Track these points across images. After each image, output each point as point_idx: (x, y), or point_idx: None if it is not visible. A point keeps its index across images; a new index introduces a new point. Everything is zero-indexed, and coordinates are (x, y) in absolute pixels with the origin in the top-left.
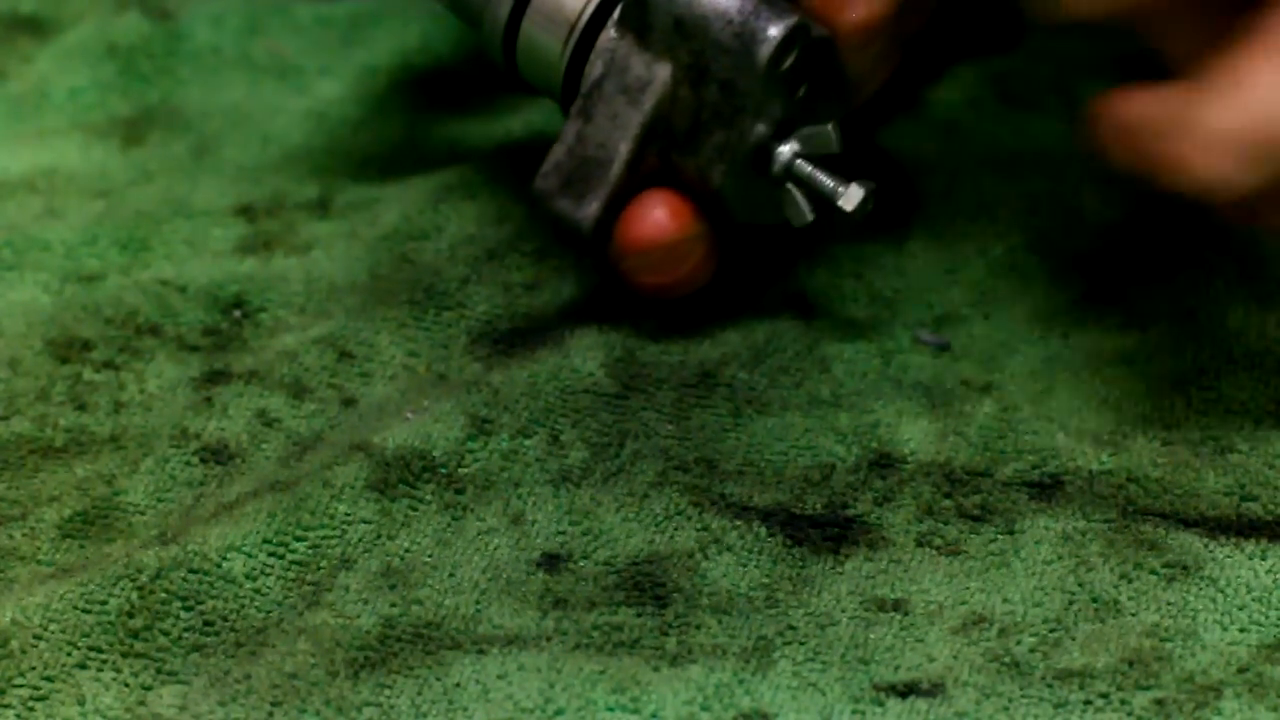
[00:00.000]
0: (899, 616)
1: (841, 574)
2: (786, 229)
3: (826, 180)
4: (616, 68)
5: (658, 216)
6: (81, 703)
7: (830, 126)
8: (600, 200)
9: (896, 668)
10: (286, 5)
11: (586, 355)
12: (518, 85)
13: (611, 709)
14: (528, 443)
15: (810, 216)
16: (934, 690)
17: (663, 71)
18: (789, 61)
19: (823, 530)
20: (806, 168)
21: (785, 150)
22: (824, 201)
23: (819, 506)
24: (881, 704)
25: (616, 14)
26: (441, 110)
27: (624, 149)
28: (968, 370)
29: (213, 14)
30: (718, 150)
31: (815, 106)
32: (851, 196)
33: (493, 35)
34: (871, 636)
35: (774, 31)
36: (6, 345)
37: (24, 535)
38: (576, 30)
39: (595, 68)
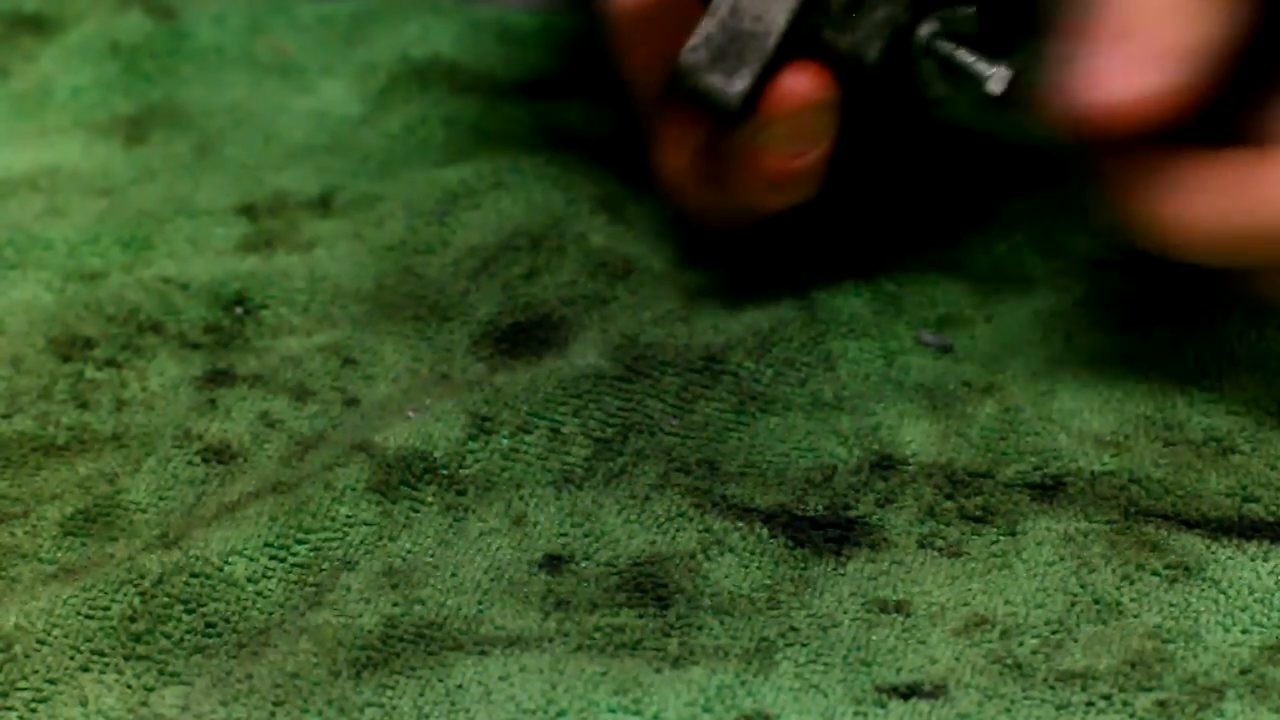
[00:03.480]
0: (901, 618)
1: (843, 575)
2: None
3: (971, 59)
4: None
5: (803, 80)
6: (84, 704)
7: (970, 9)
8: (752, 74)
9: (899, 669)
10: (288, 4)
11: (588, 344)
12: None
13: (614, 710)
14: (528, 439)
15: (945, 92)
16: (936, 692)
17: None
18: None
19: (824, 531)
20: (949, 46)
21: (926, 29)
22: (967, 82)
23: (820, 508)
24: (884, 705)
25: None
26: (442, 108)
27: (781, 21)
28: (970, 372)
29: (215, 13)
30: (876, 26)
31: None
32: (1000, 77)
33: None
34: (873, 638)
35: None
36: (9, 343)
37: (25, 533)
38: None
39: None
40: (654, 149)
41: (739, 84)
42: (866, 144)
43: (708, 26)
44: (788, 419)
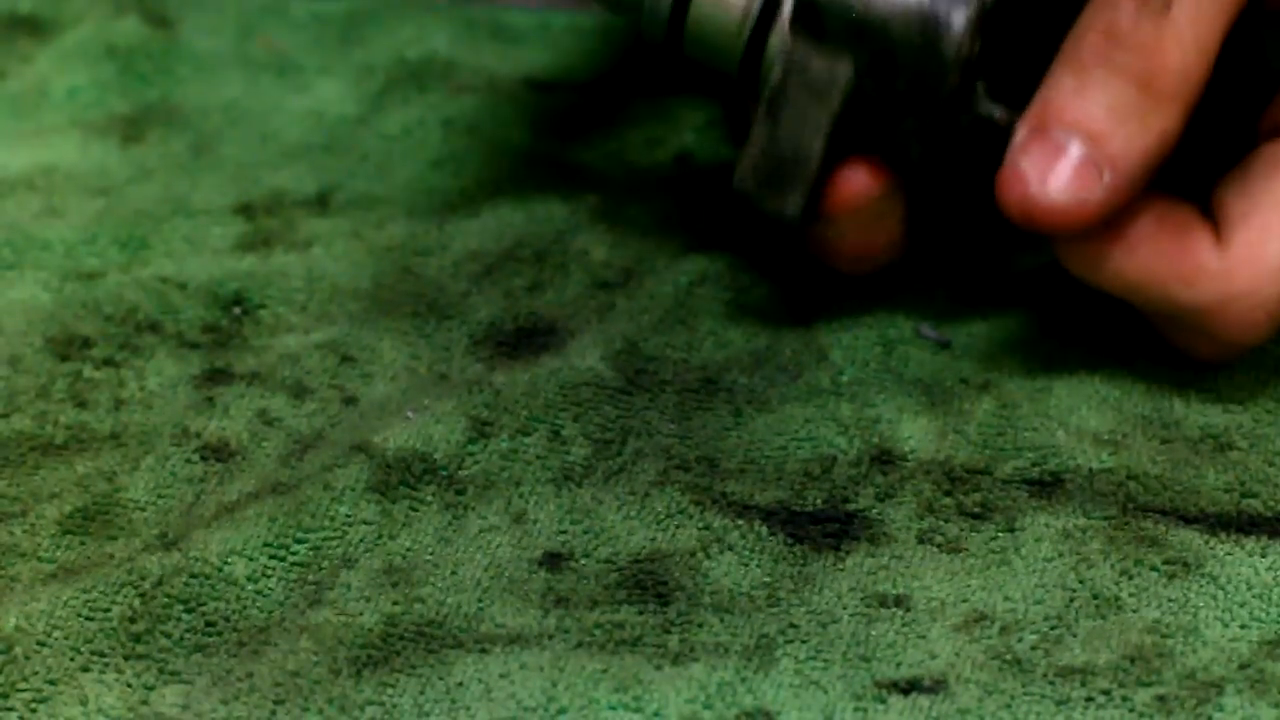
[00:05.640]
0: (901, 612)
1: (843, 570)
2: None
3: (1004, 114)
4: (797, 69)
5: (860, 176)
6: (84, 703)
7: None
8: (802, 195)
9: (898, 664)
10: (283, 3)
11: (587, 351)
12: (681, 64)
13: (614, 708)
14: (528, 440)
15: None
16: (936, 687)
17: (844, 69)
18: (975, 44)
19: (823, 526)
20: (995, 110)
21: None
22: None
23: (819, 501)
24: (884, 701)
25: (789, 16)
26: (439, 109)
27: (817, 145)
28: (967, 368)
29: (210, 13)
30: (912, 132)
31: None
32: None
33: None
34: (873, 633)
35: (959, 25)
36: (7, 343)
37: (24, 532)
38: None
39: (775, 71)
40: None
41: (791, 206)
42: (947, 200)
43: (751, 154)
44: (785, 412)
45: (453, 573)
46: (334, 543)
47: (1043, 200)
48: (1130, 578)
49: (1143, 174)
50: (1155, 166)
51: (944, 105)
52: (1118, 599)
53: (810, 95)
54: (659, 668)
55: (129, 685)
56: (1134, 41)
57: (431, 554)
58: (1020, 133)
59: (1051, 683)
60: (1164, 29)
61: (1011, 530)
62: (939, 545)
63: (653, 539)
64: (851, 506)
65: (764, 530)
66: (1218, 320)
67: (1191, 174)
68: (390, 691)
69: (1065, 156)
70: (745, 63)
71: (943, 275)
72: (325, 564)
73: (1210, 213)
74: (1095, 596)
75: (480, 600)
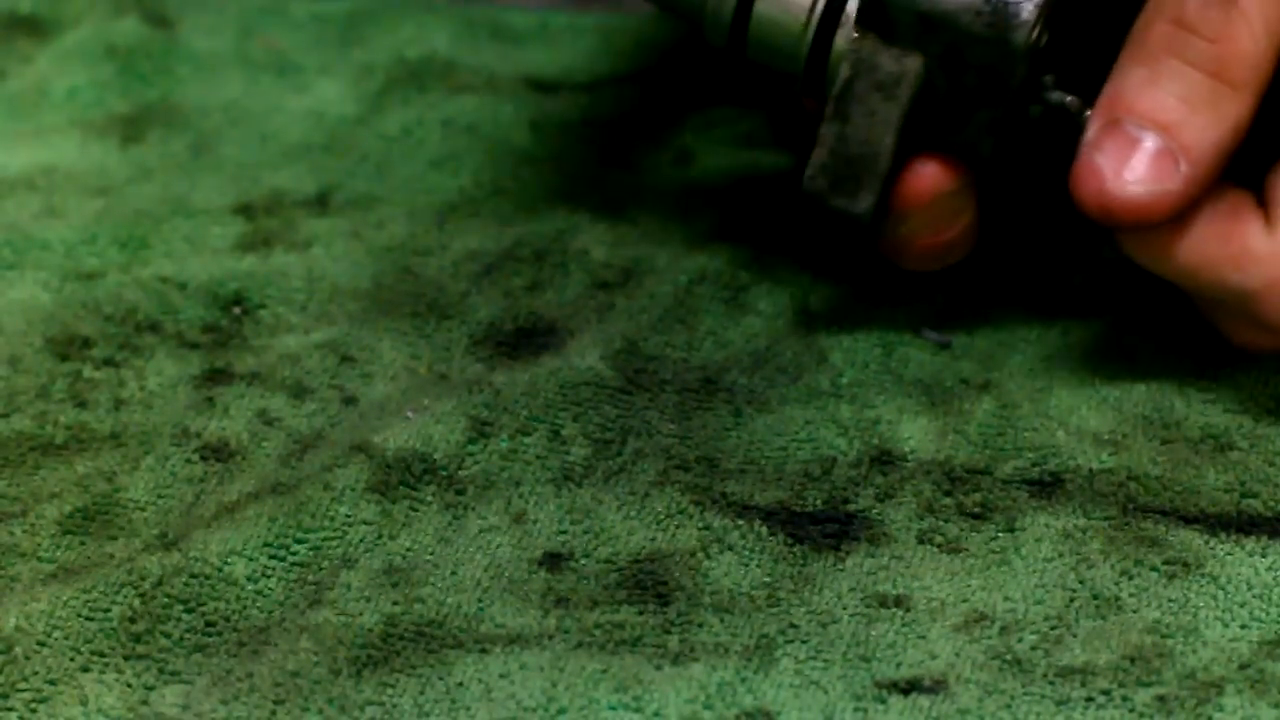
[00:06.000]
0: (901, 613)
1: (843, 571)
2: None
3: (1075, 103)
4: (865, 67)
5: (931, 171)
6: (84, 703)
7: (1072, 98)
8: (873, 192)
9: (898, 664)
10: (283, 3)
11: (587, 351)
12: (743, 68)
13: (614, 708)
14: (528, 440)
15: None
16: (936, 687)
17: (913, 64)
18: (1043, 34)
19: (823, 527)
20: (1065, 99)
21: (1049, 96)
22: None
23: (819, 502)
24: (884, 701)
25: (855, 13)
26: (439, 109)
27: (888, 141)
28: (967, 368)
29: (210, 13)
30: (983, 126)
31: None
32: None
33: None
34: (873, 633)
35: (1027, 14)
36: (7, 343)
37: (24, 532)
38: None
39: (842, 69)
40: None
41: (863, 203)
42: (1018, 193)
43: (820, 155)
44: (785, 413)
45: (453, 573)
46: (334, 543)
47: (1119, 195)
48: (1130, 578)
49: (1218, 162)
50: (1230, 154)
51: (1014, 96)
52: (1118, 599)
53: (879, 92)
54: (659, 668)
55: (129, 685)
56: (1204, 29)
57: (431, 554)
58: (1092, 127)
59: (1051, 683)
60: (1233, 15)
61: (1011, 530)
62: (939, 545)
63: (653, 539)
64: (851, 507)
65: (764, 530)
66: (1264, 304)
67: (1247, 160)
68: (390, 691)
69: (1140, 149)
70: (810, 63)
71: (942, 277)
72: (325, 564)
73: (1263, 200)
74: (1095, 596)
75: (480, 600)
